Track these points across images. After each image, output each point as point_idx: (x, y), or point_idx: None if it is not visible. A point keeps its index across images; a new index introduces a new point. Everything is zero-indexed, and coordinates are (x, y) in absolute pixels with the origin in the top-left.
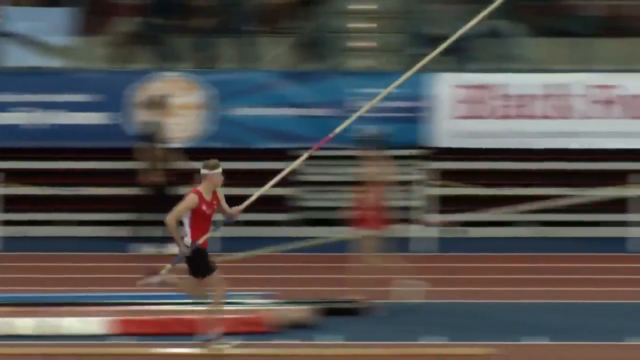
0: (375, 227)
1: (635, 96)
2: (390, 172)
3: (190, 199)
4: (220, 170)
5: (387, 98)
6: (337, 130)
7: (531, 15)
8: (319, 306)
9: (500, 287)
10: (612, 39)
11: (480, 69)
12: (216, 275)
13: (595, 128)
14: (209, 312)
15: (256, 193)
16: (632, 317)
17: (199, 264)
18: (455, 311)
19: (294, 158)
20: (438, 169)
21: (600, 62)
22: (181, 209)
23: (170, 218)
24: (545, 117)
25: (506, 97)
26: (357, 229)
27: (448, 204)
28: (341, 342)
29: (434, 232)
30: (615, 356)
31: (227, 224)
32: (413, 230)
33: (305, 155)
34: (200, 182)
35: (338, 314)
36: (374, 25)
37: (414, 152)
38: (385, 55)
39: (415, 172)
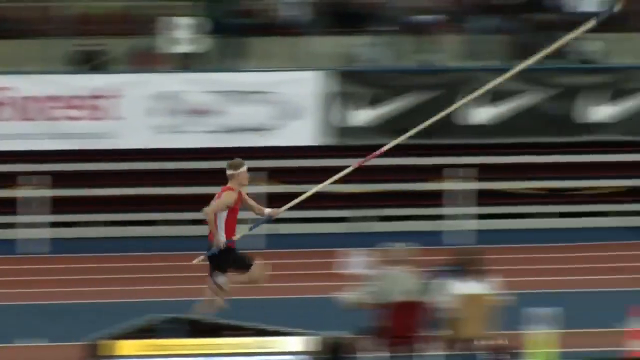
0: None
1: (26, 98)
2: None
3: (230, 195)
4: (245, 168)
5: None
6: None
7: None
8: None
9: None
10: None
11: None
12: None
13: None
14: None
15: (305, 194)
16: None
17: (237, 259)
18: None
19: None
20: None
21: None
22: (221, 205)
23: (210, 211)
24: None
25: None
26: None
27: None
28: None
29: None
30: None
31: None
32: None
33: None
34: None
35: None
36: None
37: None
38: None
39: None
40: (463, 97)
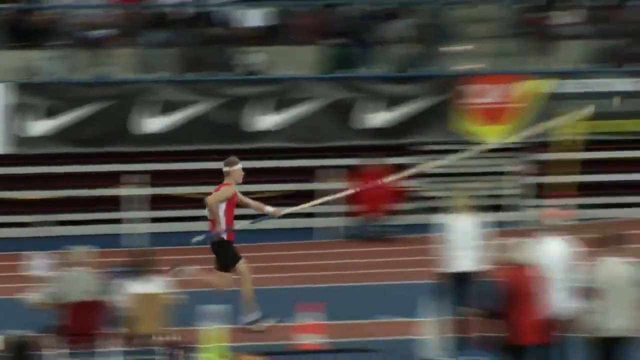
0: None
1: None
2: None
3: (229, 189)
4: (240, 166)
5: None
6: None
7: None
8: None
9: None
10: None
11: None
12: (242, 264)
13: None
14: (244, 298)
15: (305, 205)
16: None
17: (227, 255)
18: None
19: None
20: None
21: None
22: (222, 196)
23: (212, 201)
24: None
25: None
26: None
27: None
28: None
29: None
30: None
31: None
32: None
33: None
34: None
35: None
36: None
37: None
38: None
39: None
40: (140, 107)
